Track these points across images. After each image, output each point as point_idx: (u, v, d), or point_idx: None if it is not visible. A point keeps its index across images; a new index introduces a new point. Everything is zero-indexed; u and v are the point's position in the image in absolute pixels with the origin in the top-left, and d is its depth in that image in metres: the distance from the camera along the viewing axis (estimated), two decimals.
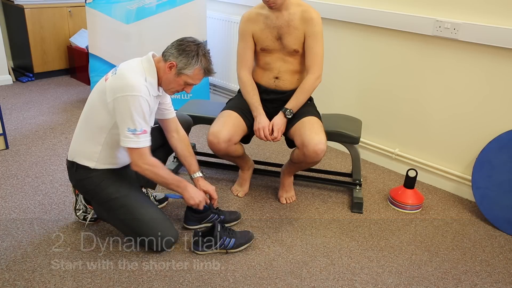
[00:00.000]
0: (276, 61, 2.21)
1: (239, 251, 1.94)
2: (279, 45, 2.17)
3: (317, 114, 2.21)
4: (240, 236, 1.95)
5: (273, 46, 2.17)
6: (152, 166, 1.78)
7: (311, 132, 2.04)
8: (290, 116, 2.15)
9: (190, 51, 1.76)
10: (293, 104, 2.15)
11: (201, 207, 1.95)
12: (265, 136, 2.13)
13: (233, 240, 1.92)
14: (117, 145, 1.82)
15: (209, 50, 1.84)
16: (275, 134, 2.12)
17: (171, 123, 2.03)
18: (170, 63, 1.76)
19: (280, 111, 2.16)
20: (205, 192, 2.04)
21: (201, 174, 2.06)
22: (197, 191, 1.94)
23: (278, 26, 2.13)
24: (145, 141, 1.75)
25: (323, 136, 2.05)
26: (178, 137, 2.05)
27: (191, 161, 2.06)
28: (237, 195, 2.40)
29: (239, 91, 2.34)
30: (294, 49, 2.14)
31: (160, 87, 1.87)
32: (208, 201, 2.04)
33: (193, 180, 2.06)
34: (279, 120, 2.14)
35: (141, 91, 1.70)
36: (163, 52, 1.80)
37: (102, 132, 1.79)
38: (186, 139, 2.07)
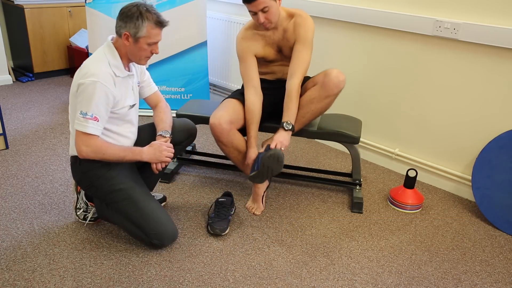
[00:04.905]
0: (278, 67, 2.26)
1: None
2: (280, 55, 2.21)
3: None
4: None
5: (275, 58, 2.22)
6: (97, 148, 1.75)
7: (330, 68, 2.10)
8: (289, 127, 2.07)
9: (132, 14, 1.75)
10: (288, 115, 2.08)
11: (168, 160, 1.91)
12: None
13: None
14: (106, 137, 1.83)
15: (151, 4, 1.82)
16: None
17: (153, 98, 2.07)
18: (124, 35, 1.77)
19: (279, 128, 2.09)
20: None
21: (167, 134, 1.98)
22: (152, 148, 1.88)
23: (276, 41, 2.16)
24: (93, 128, 1.72)
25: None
26: (156, 109, 2.07)
27: (158, 123, 2.02)
28: (253, 213, 2.25)
29: (243, 86, 2.36)
30: None
31: (131, 65, 1.89)
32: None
33: (156, 138, 1.99)
34: (281, 137, 2.05)
35: (100, 77, 1.71)
36: (115, 30, 1.81)
37: None
38: (162, 108, 2.06)
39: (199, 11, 3.33)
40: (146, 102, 2.09)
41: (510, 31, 2.14)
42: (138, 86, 2.00)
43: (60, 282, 1.72)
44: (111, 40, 1.84)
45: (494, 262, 1.99)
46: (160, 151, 1.89)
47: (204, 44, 3.41)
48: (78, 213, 2.07)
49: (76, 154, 1.86)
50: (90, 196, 2.04)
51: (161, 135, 1.97)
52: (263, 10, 1.98)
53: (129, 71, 1.88)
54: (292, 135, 2.19)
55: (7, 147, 2.79)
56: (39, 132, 3.05)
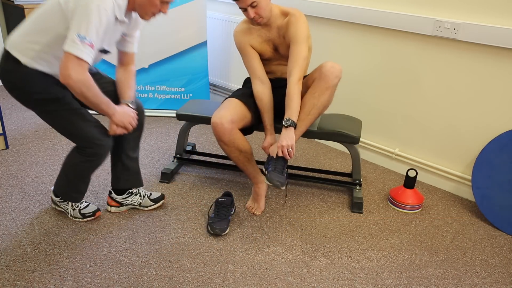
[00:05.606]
0: (276, 66, 2.26)
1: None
2: (277, 54, 2.21)
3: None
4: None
5: (271, 56, 2.22)
6: (86, 80, 1.64)
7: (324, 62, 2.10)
8: (289, 123, 2.03)
9: None
10: (288, 113, 2.05)
11: (130, 128, 1.89)
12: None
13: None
14: (56, 52, 1.75)
15: None
16: (290, 155, 2.01)
17: (127, 57, 1.99)
18: None
19: (283, 127, 2.04)
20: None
21: (134, 105, 1.97)
22: (124, 112, 1.86)
23: (272, 39, 2.17)
24: (87, 55, 1.61)
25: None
26: (124, 68, 2.00)
27: (126, 88, 1.97)
28: (253, 213, 2.27)
29: (244, 83, 2.37)
30: None
31: (132, 13, 1.83)
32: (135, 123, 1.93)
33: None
34: (284, 140, 2.00)
35: (106, 3, 1.62)
36: None
37: (47, 34, 1.71)
38: (132, 72, 2.00)
39: (199, 11, 3.33)
40: (118, 56, 2.00)
41: (510, 31, 2.14)
42: (123, 36, 1.92)
43: (60, 282, 1.72)
44: None
45: (494, 262, 1.99)
46: (128, 117, 1.87)
47: (204, 44, 3.41)
48: (73, 216, 2.08)
49: (7, 47, 1.75)
50: (56, 193, 2.07)
51: (128, 105, 1.93)
52: (252, 5, 2.00)
53: (125, 19, 1.80)
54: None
55: (7, 147, 2.79)
56: (39, 132, 3.05)
